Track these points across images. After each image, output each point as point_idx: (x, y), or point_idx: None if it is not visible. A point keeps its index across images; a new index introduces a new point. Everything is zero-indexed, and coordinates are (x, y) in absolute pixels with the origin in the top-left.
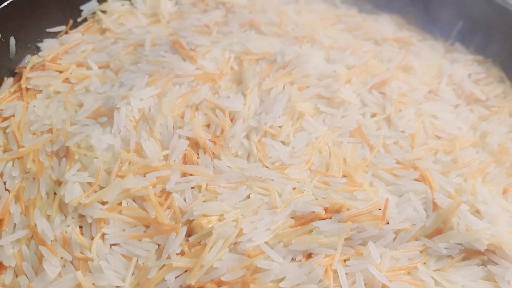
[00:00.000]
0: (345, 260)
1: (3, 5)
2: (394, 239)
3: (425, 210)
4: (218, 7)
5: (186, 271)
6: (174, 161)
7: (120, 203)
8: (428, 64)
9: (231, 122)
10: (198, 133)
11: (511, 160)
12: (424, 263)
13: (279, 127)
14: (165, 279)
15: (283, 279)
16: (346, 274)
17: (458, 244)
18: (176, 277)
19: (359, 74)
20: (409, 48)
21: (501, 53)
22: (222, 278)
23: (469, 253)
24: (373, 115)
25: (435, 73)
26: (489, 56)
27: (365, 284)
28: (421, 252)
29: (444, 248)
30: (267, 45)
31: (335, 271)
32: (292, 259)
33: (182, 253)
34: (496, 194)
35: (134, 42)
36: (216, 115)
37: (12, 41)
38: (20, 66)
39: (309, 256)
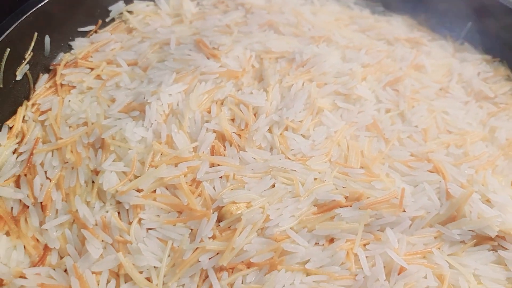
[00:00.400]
0: (364, 245)
1: (38, 6)
2: (410, 225)
3: (439, 199)
4: (238, 8)
5: (218, 253)
6: (203, 152)
7: (154, 191)
8: (438, 63)
9: (255, 116)
10: (224, 127)
11: None
12: (439, 248)
13: (299, 121)
14: (199, 260)
15: (308, 261)
16: (366, 257)
17: (470, 230)
18: (209, 259)
19: (374, 72)
20: (420, 48)
21: (508, 52)
22: (251, 260)
23: (481, 239)
24: (388, 111)
25: (445, 72)
26: (496, 56)
27: (384, 267)
28: (435, 238)
29: (457, 234)
30: (286, 45)
31: (356, 255)
32: (316, 243)
33: (213, 237)
34: (505, 185)
35: (160, 41)
36: (241, 110)
37: (47, 39)
38: (54, 63)
39: (332, 240)
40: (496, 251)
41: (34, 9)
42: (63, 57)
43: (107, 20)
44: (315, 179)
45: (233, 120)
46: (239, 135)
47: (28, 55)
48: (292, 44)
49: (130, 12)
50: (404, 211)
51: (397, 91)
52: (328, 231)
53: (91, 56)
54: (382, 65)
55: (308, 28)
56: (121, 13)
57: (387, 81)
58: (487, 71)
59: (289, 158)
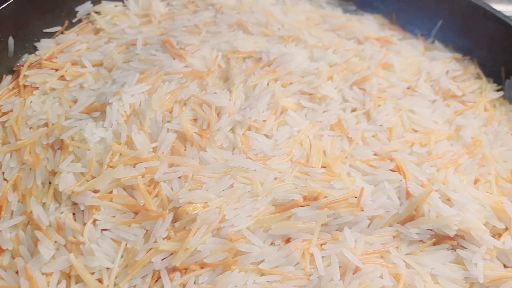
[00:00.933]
0: (321, 245)
1: (2, 6)
2: (369, 225)
3: (399, 198)
4: (208, 8)
5: (171, 254)
6: (162, 152)
7: (111, 192)
8: (407, 61)
9: (217, 116)
10: (185, 127)
11: (483, 152)
12: (397, 248)
13: (263, 121)
14: (151, 261)
15: (262, 261)
16: (322, 257)
17: (429, 229)
18: (162, 259)
19: (341, 71)
20: (390, 46)
21: (478, 50)
22: (205, 260)
23: (439, 238)
24: (353, 110)
25: (415, 71)
26: (467, 54)
27: (339, 267)
28: (394, 237)
29: (416, 233)
30: (254, 44)
31: (311, 254)
32: (272, 243)
33: (168, 238)
34: (467, 184)
35: (127, 42)
36: (203, 110)
37: (11, 40)
38: (18, 64)
39: (288, 240)
40: (455, 250)
41: None
42: (28, 58)
43: (74, 21)
44: (275, 178)
45: (195, 120)
46: (201, 135)
47: None
48: (260, 43)
49: (97, 12)
50: (363, 210)
51: (363, 90)
52: (284, 231)
53: (56, 57)
54: (349, 64)
55: (278, 28)
56: (89, 14)
57: (354, 80)
58: (456, 69)
59: (250, 158)
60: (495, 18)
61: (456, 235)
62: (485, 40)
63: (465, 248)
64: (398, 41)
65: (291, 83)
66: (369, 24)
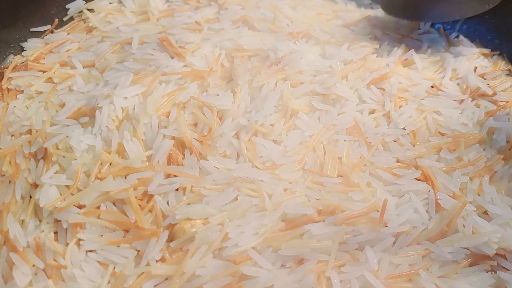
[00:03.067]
0: (339, 266)
1: None
2: (394, 243)
3: (427, 211)
4: (210, 4)
5: (166, 279)
6: (158, 162)
7: (98, 207)
8: (430, 58)
9: (220, 120)
10: (184, 132)
11: None
12: (427, 269)
13: (270, 125)
14: None
15: (271, 287)
16: (341, 281)
17: (464, 248)
18: (155, 286)
19: (356, 69)
20: (410, 42)
21: (508, 45)
22: (204, 287)
23: (477, 258)
24: (372, 112)
25: (438, 68)
26: (495, 49)
27: None
28: (423, 257)
29: (449, 252)
30: (260, 42)
31: (328, 278)
32: (282, 265)
33: (162, 260)
34: (504, 194)
35: (121, 41)
36: (204, 114)
37: None
38: (2, 66)
39: (301, 262)
40: (495, 272)
41: None
42: (13, 60)
43: (64, 19)
44: (285, 190)
45: (195, 125)
46: (201, 142)
47: None
48: (267, 41)
49: (90, 10)
50: (386, 226)
51: (382, 89)
52: (296, 251)
53: (44, 58)
54: (366, 62)
55: (286, 24)
56: (81, 12)
57: (371, 79)
58: (485, 66)
59: (256, 167)
60: None
61: (496, 254)
62: None
63: (507, 270)
64: (418, 36)
65: (301, 83)
66: (385, 19)
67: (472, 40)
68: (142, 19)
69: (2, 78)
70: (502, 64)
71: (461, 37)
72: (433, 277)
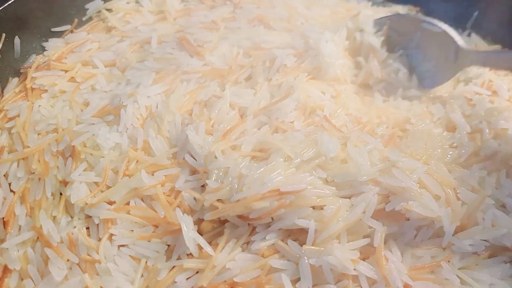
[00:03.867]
0: (364, 259)
1: (6, 4)
2: (416, 236)
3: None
4: (226, 3)
5: (197, 272)
6: (183, 159)
7: (128, 203)
8: None
9: (241, 118)
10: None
11: None
12: (448, 261)
13: (290, 122)
14: (175, 281)
15: (298, 280)
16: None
17: (484, 240)
18: (187, 279)
19: None
20: None
21: None
22: (235, 279)
23: (496, 250)
24: None
25: None
26: (506, 46)
27: (385, 284)
28: (444, 249)
29: (469, 244)
30: (277, 40)
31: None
32: None
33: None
34: None
35: (141, 40)
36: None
37: (17, 40)
38: (25, 66)
39: None
40: None
41: (0, 8)
42: (35, 59)
43: (84, 19)
44: None
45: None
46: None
47: None
48: (283, 39)
49: (109, 10)
50: (408, 219)
51: None
52: None
53: (66, 58)
54: None
55: (301, 22)
56: (99, 12)
57: None
58: None
59: None
60: None
61: None
62: None
63: None
64: None
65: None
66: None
67: (483, 37)
68: (160, 18)
69: (26, 78)
70: None
71: (473, 35)
72: (454, 268)
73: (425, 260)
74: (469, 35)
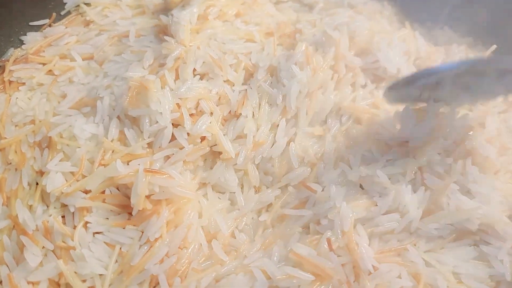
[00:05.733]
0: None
1: None
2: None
3: (414, 191)
4: None
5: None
6: (159, 147)
7: (103, 192)
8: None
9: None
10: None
11: (503, 141)
12: (414, 245)
13: None
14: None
15: None
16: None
17: (449, 224)
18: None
19: None
20: None
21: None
22: None
23: (461, 234)
24: None
25: None
26: (478, 39)
27: (353, 266)
28: (411, 233)
29: (435, 228)
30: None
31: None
32: None
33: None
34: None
35: (119, 34)
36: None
37: None
38: (3, 59)
39: None
40: (478, 246)
41: None
42: (13, 53)
43: (62, 13)
44: None
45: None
46: None
47: None
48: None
49: (87, 4)
50: (376, 205)
51: None
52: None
53: (44, 51)
54: None
55: None
56: (78, 6)
57: None
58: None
59: None
60: None
61: (478, 229)
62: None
63: (489, 244)
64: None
65: None
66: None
67: (455, 31)
68: (138, 12)
69: (4, 71)
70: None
71: (446, 28)
72: (420, 251)
73: (392, 244)
74: (442, 28)
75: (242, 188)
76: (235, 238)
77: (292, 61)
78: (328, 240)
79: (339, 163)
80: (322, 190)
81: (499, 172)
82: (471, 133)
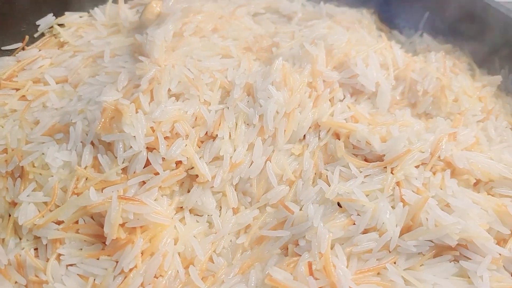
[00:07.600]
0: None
1: None
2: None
3: (393, 207)
4: None
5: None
6: (134, 173)
7: (76, 222)
8: None
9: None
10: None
11: (481, 150)
12: (394, 263)
13: None
14: None
15: None
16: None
17: (428, 240)
18: None
19: None
20: None
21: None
22: None
23: (440, 249)
24: None
25: None
26: (457, 45)
27: None
28: (390, 252)
29: (414, 245)
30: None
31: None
32: None
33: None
34: (466, 187)
35: (93, 54)
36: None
37: None
38: None
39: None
40: (458, 261)
41: None
42: None
43: (35, 35)
44: None
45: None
46: None
47: None
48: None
49: (61, 25)
50: (354, 223)
51: None
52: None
53: (17, 76)
54: None
55: None
56: (51, 27)
57: None
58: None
59: None
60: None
61: (458, 244)
62: (474, 29)
63: (469, 259)
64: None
65: None
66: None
67: (434, 37)
68: (113, 31)
69: None
70: (463, 59)
71: (425, 35)
72: (399, 269)
73: (371, 263)
74: (421, 35)
75: (220, 209)
76: (213, 262)
77: (268, 80)
78: (309, 264)
79: (318, 180)
80: (301, 209)
81: (478, 184)
82: (444, 142)
